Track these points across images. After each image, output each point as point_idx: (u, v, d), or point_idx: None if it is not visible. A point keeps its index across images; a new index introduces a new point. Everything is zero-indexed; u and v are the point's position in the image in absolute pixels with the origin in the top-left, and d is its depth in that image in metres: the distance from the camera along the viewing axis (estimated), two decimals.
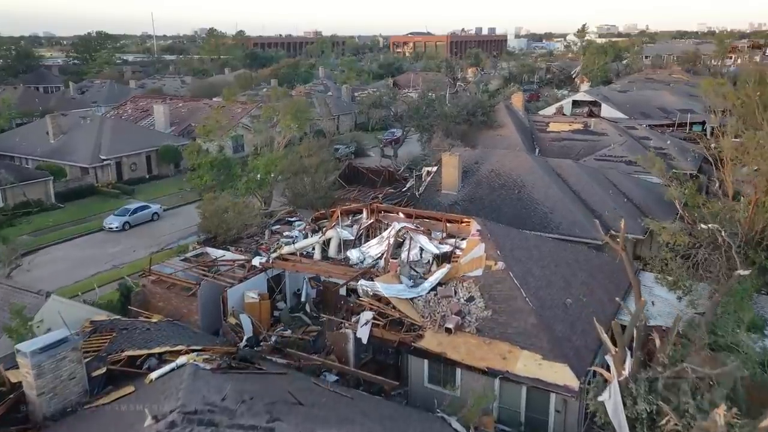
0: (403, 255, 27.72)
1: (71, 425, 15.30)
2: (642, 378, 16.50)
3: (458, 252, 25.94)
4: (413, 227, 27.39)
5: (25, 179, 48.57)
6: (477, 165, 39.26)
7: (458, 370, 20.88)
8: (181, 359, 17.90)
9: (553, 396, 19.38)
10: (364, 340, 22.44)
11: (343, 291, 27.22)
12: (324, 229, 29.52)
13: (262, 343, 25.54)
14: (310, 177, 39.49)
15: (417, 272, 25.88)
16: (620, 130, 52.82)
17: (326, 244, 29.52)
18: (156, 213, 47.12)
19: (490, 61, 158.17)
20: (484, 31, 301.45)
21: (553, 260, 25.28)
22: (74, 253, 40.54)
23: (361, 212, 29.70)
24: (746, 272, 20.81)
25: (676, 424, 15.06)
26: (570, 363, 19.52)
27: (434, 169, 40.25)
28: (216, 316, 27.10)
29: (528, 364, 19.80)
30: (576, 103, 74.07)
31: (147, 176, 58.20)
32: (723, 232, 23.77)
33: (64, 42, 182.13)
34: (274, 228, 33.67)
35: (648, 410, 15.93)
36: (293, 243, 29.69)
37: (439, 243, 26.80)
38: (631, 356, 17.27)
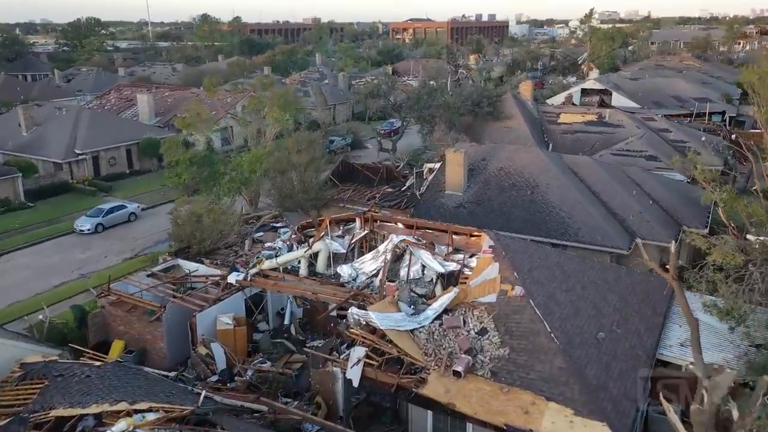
0: (402, 272, 23.90)
1: None
2: None
3: (467, 272, 22.10)
4: (414, 240, 23.52)
5: None
6: (484, 162, 35.33)
7: (469, 425, 17.12)
8: (119, 425, 14.11)
9: None
10: (355, 383, 18.65)
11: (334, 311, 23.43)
12: (311, 240, 25.66)
13: (236, 378, 21.81)
14: (299, 176, 35.55)
15: (418, 295, 22.04)
16: (637, 121, 48.75)
17: (314, 257, 25.67)
18: (133, 213, 43.19)
19: (492, 48, 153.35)
20: (485, 18, 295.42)
21: (579, 281, 21.45)
22: (39, 260, 36.67)
23: (353, 221, 25.81)
24: None
25: None
26: (609, 421, 15.73)
27: (437, 165, 36.32)
28: (185, 343, 23.34)
29: (557, 420, 16.00)
30: (585, 92, 69.85)
31: (127, 171, 54.18)
32: None
33: (60, 29, 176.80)
34: (257, 236, 29.79)
35: None
36: (275, 256, 25.81)
37: (444, 259, 22.95)
38: None
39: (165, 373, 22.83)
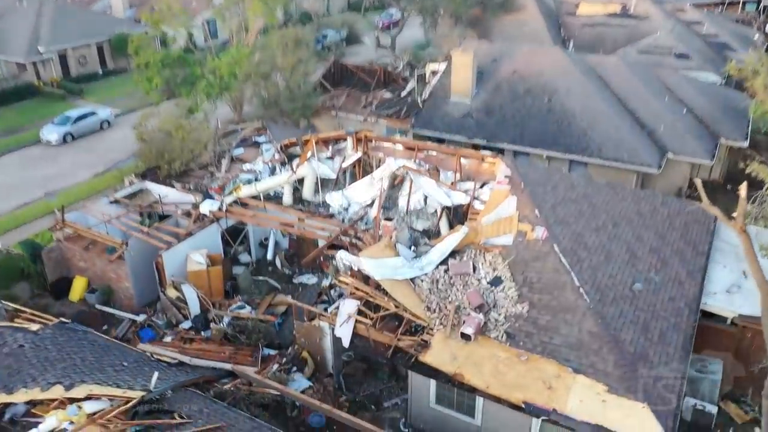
0: (401, 201, 20.59)
1: None
2: None
3: (477, 205, 18.76)
4: (415, 167, 19.98)
5: None
6: (495, 63, 30.97)
7: (479, 398, 14.48)
8: (48, 422, 11.36)
9: None
10: (345, 343, 15.87)
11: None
12: (295, 163, 22.12)
13: (212, 326, 19.10)
14: (285, 80, 31.32)
15: (420, 232, 18.85)
16: (665, 12, 43.41)
17: (299, 182, 22.26)
18: (105, 121, 39.07)
19: None
20: None
21: (610, 217, 18.14)
22: None
23: (344, 140, 22.10)
24: None
25: None
26: (651, 400, 13.01)
27: (441, 67, 31.99)
28: (155, 283, 20.50)
29: (586, 399, 13.28)
30: None
31: (100, 72, 49.25)
32: None
33: None
34: (236, 153, 26.16)
35: None
36: (255, 181, 22.40)
37: (450, 188, 19.52)
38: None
39: (132, 316, 20.28)
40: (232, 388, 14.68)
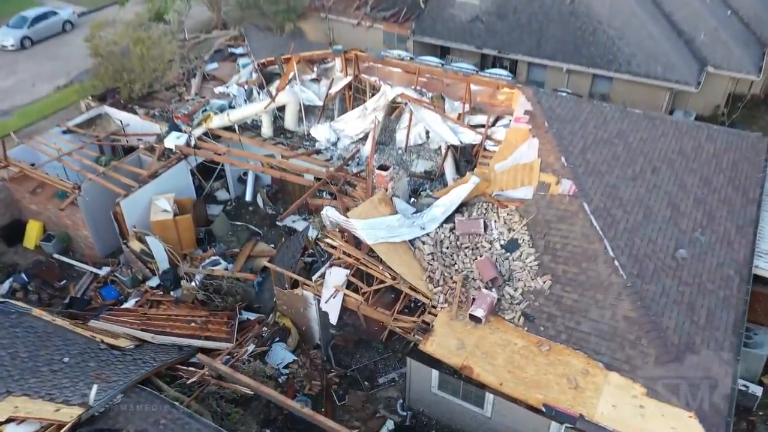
0: (400, 135, 17.53)
1: None
2: None
3: (490, 146, 15.71)
4: (416, 95, 16.68)
5: None
6: None
7: (489, 394, 12.29)
8: None
9: None
10: (333, 320, 13.47)
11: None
12: (275, 88, 18.74)
13: (182, 283, 16.72)
14: None
15: (422, 175, 15.96)
16: None
17: (280, 110, 19.03)
18: (68, 21, 34.78)
19: None
20: None
21: (649, 160, 15.14)
22: None
23: (331, 60, 18.58)
24: None
25: None
26: (699, 407, 10.77)
27: None
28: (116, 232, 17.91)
29: (619, 403, 11.04)
30: None
31: None
32: None
33: None
34: (210, 69, 22.64)
35: None
36: (229, 109, 19.15)
37: (457, 124, 16.36)
38: None
39: (95, 270, 17.86)
40: (198, 380, 12.46)
